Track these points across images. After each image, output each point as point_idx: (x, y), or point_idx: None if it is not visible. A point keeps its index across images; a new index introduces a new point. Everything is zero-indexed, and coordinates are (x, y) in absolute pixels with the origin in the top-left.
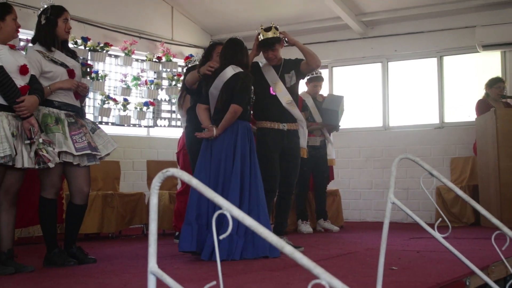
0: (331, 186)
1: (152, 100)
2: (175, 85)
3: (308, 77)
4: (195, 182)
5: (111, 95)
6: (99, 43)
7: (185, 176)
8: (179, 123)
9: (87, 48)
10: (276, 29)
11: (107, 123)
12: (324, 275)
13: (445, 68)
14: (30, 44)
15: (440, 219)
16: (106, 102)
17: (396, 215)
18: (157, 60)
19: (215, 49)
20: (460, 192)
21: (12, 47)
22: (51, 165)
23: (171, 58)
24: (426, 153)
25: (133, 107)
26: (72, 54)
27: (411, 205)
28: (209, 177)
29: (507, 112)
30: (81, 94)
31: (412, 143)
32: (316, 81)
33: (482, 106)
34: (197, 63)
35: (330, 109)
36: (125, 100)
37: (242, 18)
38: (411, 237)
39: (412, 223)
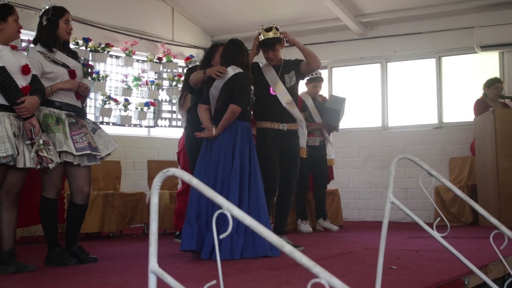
0: (330, 186)
1: (152, 101)
2: (176, 85)
3: (308, 78)
4: (195, 182)
5: (112, 96)
6: (100, 44)
7: (186, 176)
8: (179, 123)
9: (88, 49)
10: (277, 29)
11: (108, 123)
12: (323, 274)
13: (444, 69)
14: (31, 45)
15: (439, 218)
16: (107, 102)
17: (395, 215)
18: (157, 61)
19: (217, 49)
20: (459, 192)
21: (14, 47)
22: (51, 166)
23: (172, 58)
24: (425, 153)
25: (134, 107)
26: (73, 54)
27: (410, 204)
28: (209, 177)
29: (505, 112)
30: (82, 94)
31: (411, 143)
32: (316, 82)
33: (480, 106)
34: (198, 63)
35: (332, 108)
36: (126, 100)
37: (242, 19)
38: (410, 237)
39: (411, 222)
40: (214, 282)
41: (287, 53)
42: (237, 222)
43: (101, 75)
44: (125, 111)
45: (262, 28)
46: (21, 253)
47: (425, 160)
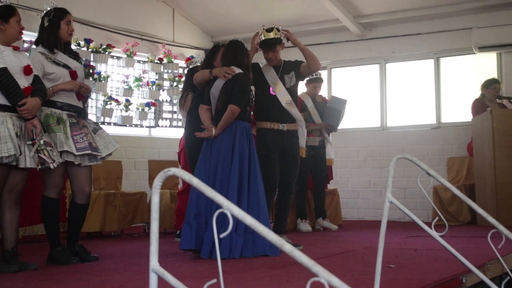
0: (330, 186)
1: (153, 101)
2: (176, 86)
3: (308, 78)
4: (196, 182)
5: (113, 96)
6: (101, 45)
7: (186, 175)
8: (180, 123)
9: (90, 50)
10: (278, 30)
11: (109, 124)
12: (323, 273)
13: (442, 69)
14: (33, 46)
15: (437, 218)
16: (109, 102)
17: (394, 214)
18: (158, 62)
19: (219, 50)
20: (457, 192)
21: (16, 48)
22: (52, 166)
23: (172, 59)
24: (423, 153)
25: (135, 107)
26: (75, 55)
27: (408, 204)
28: (208, 177)
29: (503, 112)
30: (83, 95)
31: (410, 143)
32: (315, 82)
33: (478, 106)
34: (198, 64)
35: (334, 108)
36: (127, 100)
37: (243, 20)
38: (409, 236)
39: (410, 221)
40: (215, 280)
41: (287, 54)
42: (236, 221)
43: (102, 76)
44: (126, 111)
45: (263, 28)
46: (23, 252)
47: (423, 160)
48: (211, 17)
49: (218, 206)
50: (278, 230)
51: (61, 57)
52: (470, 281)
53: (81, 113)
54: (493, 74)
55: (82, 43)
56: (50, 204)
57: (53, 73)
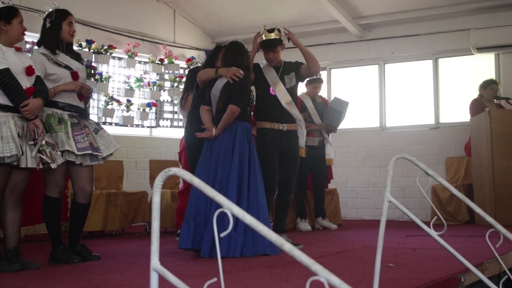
0: (329, 185)
1: (154, 101)
2: (177, 86)
3: (308, 79)
4: (196, 181)
5: (115, 96)
6: (103, 46)
7: (187, 175)
8: (181, 123)
9: (91, 51)
10: (279, 31)
11: (110, 124)
12: (322, 272)
13: (440, 70)
14: (35, 47)
15: (436, 217)
16: (110, 103)
17: (393, 214)
18: (159, 62)
19: (220, 51)
20: (455, 191)
21: (18, 49)
22: (53, 166)
23: (173, 60)
24: (422, 152)
25: (136, 108)
26: (77, 56)
27: (407, 203)
28: (209, 177)
29: (501, 112)
30: (84, 95)
31: (408, 143)
32: (316, 83)
33: (476, 106)
34: (199, 65)
35: (335, 109)
36: (128, 101)
37: (243, 21)
38: (407, 235)
39: (408, 221)
40: (215, 279)
41: (287, 55)
42: (236, 221)
43: (104, 76)
44: (127, 111)
45: (265, 29)
46: (26, 251)
47: (422, 160)
48: (212, 18)
49: (218, 206)
50: (277, 229)
51: (63, 58)
52: (469, 280)
53: (83, 113)
54: (491, 74)
55: (83, 44)
56: (51, 204)
57: (54, 74)
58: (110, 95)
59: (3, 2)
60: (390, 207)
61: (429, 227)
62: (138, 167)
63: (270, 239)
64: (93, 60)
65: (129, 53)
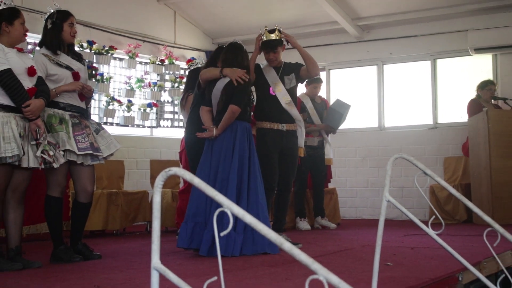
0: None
1: (155, 102)
2: (178, 87)
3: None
4: (196, 181)
5: (116, 97)
6: (104, 47)
7: (187, 175)
8: (181, 123)
9: (93, 51)
10: (280, 31)
11: (111, 124)
12: (321, 271)
13: (439, 71)
14: (37, 48)
15: (434, 216)
16: (111, 103)
17: (391, 213)
18: (160, 63)
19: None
20: (453, 191)
21: (20, 50)
22: (55, 165)
23: (174, 61)
24: (420, 152)
25: (137, 108)
26: (78, 57)
27: (405, 203)
28: (209, 177)
29: (498, 113)
30: (86, 95)
31: (407, 143)
32: (316, 83)
33: (474, 106)
34: (199, 65)
35: (336, 110)
36: (129, 101)
37: (243, 22)
38: (406, 234)
39: (407, 220)
40: (215, 278)
41: (287, 56)
42: (235, 220)
43: (105, 77)
44: (128, 112)
45: (266, 29)
46: (27, 250)
47: (420, 160)
48: (212, 19)
49: (218, 205)
50: (277, 229)
51: (64, 58)
52: (466, 278)
53: (84, 113)
54: (488, 75)
55: (85, 44)
56: (53, 203)
57: (55, 74)
58: (111, 95)
59: (5, 3)
60: (388, 207)
61: (427, 226)
62: (139, 167)
63: (269, 238)
64: (94, 60)
65: (130, 54)
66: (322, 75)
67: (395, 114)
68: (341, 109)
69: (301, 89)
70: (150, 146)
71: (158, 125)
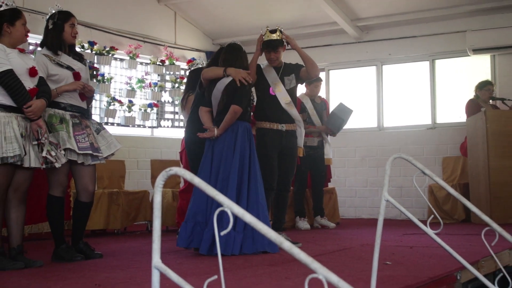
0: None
1: (156, 102)
2: (178, 87)
3: None
4: (197, 181)
5: (117, 97)
6: (105, 47)
7: (187, 174)
8: (182, 123)
9: (94, 52)
10: (281, 32)
11: (112, 124)
12: (321, 270)
13: (437, 71)
14: (38, 48)
15: (432, 216)
16: (112, 103)
17: (390, 212)
18: (160, 63)
19: None
20: (452, 190)
21: (22, 50)
22: (57, 165)
23: (174, 61)
24: (419, 152)
25: (138, 108)
26: (79, 57)
27: (404, 202)
28: (210, 176)
29: (496, 113)
30: (87, 95)
31: (406, 143)
32: (316, 82)
33: (472, 106)
34: (200, 66)
35: (338, 115)
36: (130, 101)
37: (242, 23)
38: (404, 233)
39: (406, 219)
40: (215, 277)
41: (287, 57)
42: (235, 219)
43: (106, 77)
44: (129, 112)
45: (267, 29)
46: (29, 249)
47: (419, 160)
48: (212, 20)
49: (219, 205)
50: (277, 228)
51: (65, 59)
52: (464, 277)
53: (85, 113)
54: (486, 76)
55: (86, 45)
56: (55, 203)
57: (56, 74)
58: (112, 95)
59: (6, 4)
60: (387, 206)
61: (426, 226)
62: (139, 166)
63: (269, 237)
64: (95, 61)
65: (131, 55)
66: (322, 75)
67: (394, 114)
68: (342, 114)
69: (301, 89)
70: (151, 146)
71: (159, 125)
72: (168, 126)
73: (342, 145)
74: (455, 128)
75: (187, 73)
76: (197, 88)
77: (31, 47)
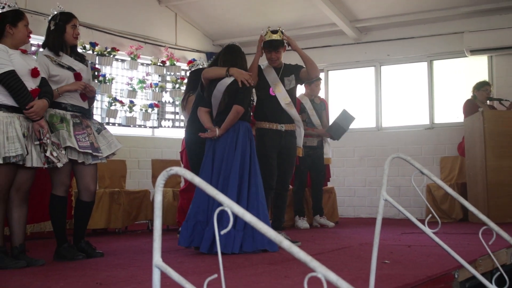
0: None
1: (156, 102)
2: (179, 88)
3: None
4: (197, 180)
5: (118, 97)
6: (106, 48)
7: (188, 174)
8: (182, 124)
9: (95, 53)
10: (282, 33)
11: (114, 124)
12: (320, 269)
13: (435, 72)
14: (40, 49)
15: (430, 215)
16: (113, 104)
17: (389, 212)
18: (161, 64)
19: None
20: (449, 190)
21: (24, 51)
22: (59, 165)
23: (175, 62)
24: (417, 152)
25: (139, 108)
26: (81, 58)
27: (402, 202)
28: (211, 176)
29: (494, 113)
30: (88, 95)
31: (404, 143)
32: (316, 81)
33: (469, 106)
34: (200, 66)
35: (340, 125)
36: (131, 102)
37: (242, 24)
38: (403, 232)
39: (404, 219)
40: (215, 276)
41: (287, 57)
42: (235, 218)
43: (107, 78)
44: (130, 112)
45: (269, 29)
46: (31, 248)
47: (417, 159)
48: (212, 21)
49: (219, 204)
50: (276, 227)
51: (66, 59)
52: (462, 276)
53: (85, 113)
54: (484, 76)
55: (87, 46)
56: (57, 202)
57: (57, 75)
58: (113, 96)
59: (9, 6)
60: (386, 205)
61: (424, 225)
62: (140, 166)
63: (269, 236)
64: (97, 62)
65: (132, 55)
66: (321, 76)
67: (393, 115)
68: (344, 123)
69: (300, 90)
70: (152, 146)
71: (160, 125)
72: (168, 126)
73: (341, 145)
74: (453, 128)
75: (188, 73)
76: (198, 89)
77: (33, 48)
